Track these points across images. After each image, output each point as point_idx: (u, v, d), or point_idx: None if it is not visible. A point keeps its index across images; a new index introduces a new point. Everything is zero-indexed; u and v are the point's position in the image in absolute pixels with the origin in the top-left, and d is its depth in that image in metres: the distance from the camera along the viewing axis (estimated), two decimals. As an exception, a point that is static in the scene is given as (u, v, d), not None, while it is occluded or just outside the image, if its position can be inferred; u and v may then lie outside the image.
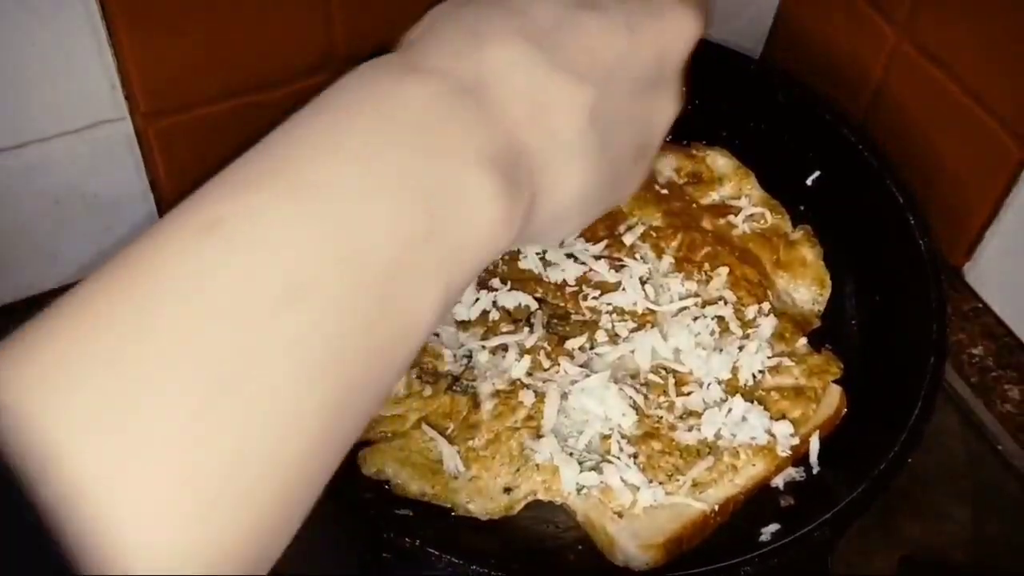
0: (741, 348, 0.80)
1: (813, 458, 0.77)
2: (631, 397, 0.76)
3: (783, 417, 0.77)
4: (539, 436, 0.74)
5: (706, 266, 0.85)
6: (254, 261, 0.29)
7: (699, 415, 0.76)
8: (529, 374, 0.77)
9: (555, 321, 0.81)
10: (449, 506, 0.72)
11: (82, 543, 0.25)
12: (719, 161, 0.95)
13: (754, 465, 0.75)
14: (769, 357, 0.80)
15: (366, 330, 0.31)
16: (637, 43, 0.42)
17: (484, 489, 0.73)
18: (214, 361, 0.28)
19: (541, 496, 0.73)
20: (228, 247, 0.29)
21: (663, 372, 0.78)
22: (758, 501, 0.75)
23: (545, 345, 0.78)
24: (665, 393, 0.77)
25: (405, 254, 0.32)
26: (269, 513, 0.31)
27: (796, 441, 0.76)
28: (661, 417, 0.76)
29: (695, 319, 0.81)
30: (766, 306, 0.83)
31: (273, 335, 0.29)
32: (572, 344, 0.79)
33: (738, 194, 0.93)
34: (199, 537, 0.28)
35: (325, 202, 0.31)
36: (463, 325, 0.79)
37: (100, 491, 0.26)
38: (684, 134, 0.99)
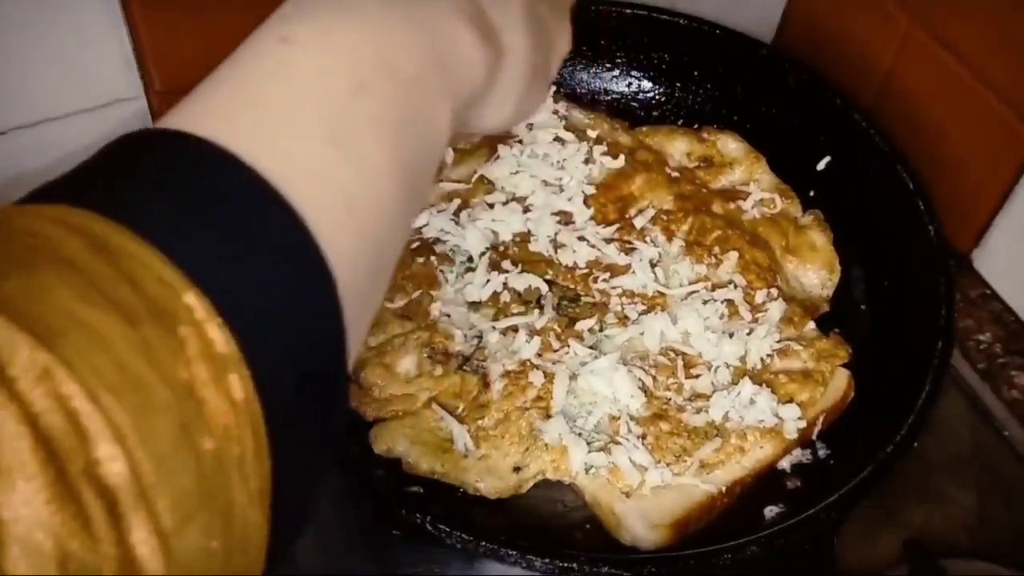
0: (750, 332, 0.80)
1: (819, 441, 0.78)
2: (640, 379, 0.76)
3: (791, 400, 0.78)
4: (548, 416, 0.75)
5: (716, 250, 0.85)
6: (325, 63, 0.39)
7: (707, 397, 0.77)
8: (539, 355, 0.77)
9: (565, 303, 0.81)
10: (459, 485, 0.73)
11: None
12: (730, 145, 0.95)
13: (761, 447, 0.76)
14: (778, 341, 0.81)
15: (411, 122, 0.41)
16: None
17: (494, 468, 0.74)
18: (320, 122, 0.38)
19: (550, 475, 0.74)
20: (301, 53, 0.39)
21: (672, 354, 0.79)
22: (765, 483, 0.76)
23: (555, 327, 0.79)
24: (674, 375, 0.78)
25: (423, 73, 0.42)
26: (381, 230, 0.40)
27: (803, 424, 0.77)
28: (670, 399, 0.76)
29: (704, 302, 0.81)
30: (775, 290, 0.84)
31: (353, 112, 0.39)
32: (582, 326, 0.79)
33: (748, 178, 0.93)
34: (347, 223, 0.37)
35: (366, 27, 0.41)
36: (474, 306, 0.80)
37: (282, 186, 0.35)
38: (695, 118, 0.99)
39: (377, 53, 0.40)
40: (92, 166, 0.36)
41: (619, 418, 0.75)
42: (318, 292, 0.36)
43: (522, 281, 0.81)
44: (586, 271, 0.83)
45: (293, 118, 0.38)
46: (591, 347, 0.78)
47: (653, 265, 0.83)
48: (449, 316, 0.79)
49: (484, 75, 0.46)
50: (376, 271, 0.41)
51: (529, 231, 0.84)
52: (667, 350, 0.79)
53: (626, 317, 0.80)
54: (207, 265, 0.32)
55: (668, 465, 0.73)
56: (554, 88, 0.94)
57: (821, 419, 0.78)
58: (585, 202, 0.86)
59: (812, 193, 0.93)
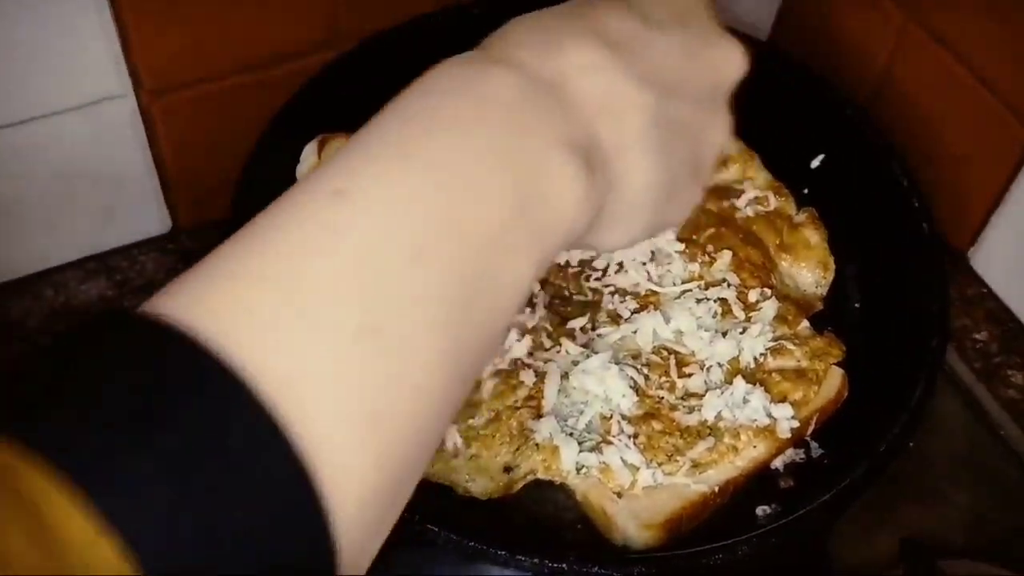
0: (743, 330, 0.80)
1: (813, 440, 0.77)
2: (632, 378, 0.76)
3: (784, 399, 0.77)
4: (539, 416, 0.74)
5: (709, 248, 0.84)
6: (381, 224, 0.33)
7: (700, 396, 0.76)
8: (530, 354, 0.77)
9: (557, 301, 0.81)
10: (449, 484, 0.73)
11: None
12: (724, 143, 0.94)
13: (755, 447, 0.75)
14: (771, 339, 0.80)
15: (473, 296, 0.35)
16: (694, 67, 0.45)
17: (484, 468, 0.73)
18: (359, 305, 0.32)
19: (541, 475, 0.73)
20: (356, 211, 0.33)
21: (664, 353, 0.78)
22: (758, 482, 0.75)
23: (547, 325, 0.78)
24: (666, 374, 0.77)
25: (502, 227, 0.36)
26: (410, 446, 0.34)
27: (797, 423, 0.76)
28: (662, 398, 0.76)
29: (698, 301, 0.81)
30: (768, 289, 0.83)
31: (404, 288, 0.33)
32: (574, 324, 0.79)
33: (742, 176, 0.93)
34: (369, 442, 0.32)
35: (435, 175, 0.35)
36: (465, 304, 0.79)
37: (285, 396, 0.30)
38: (689, 116, 0.98)
39: (445, 208, 0.34)
40: (35, 370, 0.30)
41: (611, 417, 0.74)
42: (306, 554, 0.30)
43: (513, 279, 0.80)
44: (578, 269, 0.82)
45: (324, 305, 0.32)
46: (583, 346, 0.78)
47: (646, 263, 0.83)
48: (440, 315, 0.79)
49: (587, 213, 0.39)
50: (397, 493, 0.35)
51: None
52: (660, 349, 0.79)
53: (618, 316, 0.80)
54: (135, 514, 0.27)
55: (660, 465, 0.73)
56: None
57: (815, 418, 0.77)
58: (577, 200, 0.86)
59: (806, 191, 0.93)
